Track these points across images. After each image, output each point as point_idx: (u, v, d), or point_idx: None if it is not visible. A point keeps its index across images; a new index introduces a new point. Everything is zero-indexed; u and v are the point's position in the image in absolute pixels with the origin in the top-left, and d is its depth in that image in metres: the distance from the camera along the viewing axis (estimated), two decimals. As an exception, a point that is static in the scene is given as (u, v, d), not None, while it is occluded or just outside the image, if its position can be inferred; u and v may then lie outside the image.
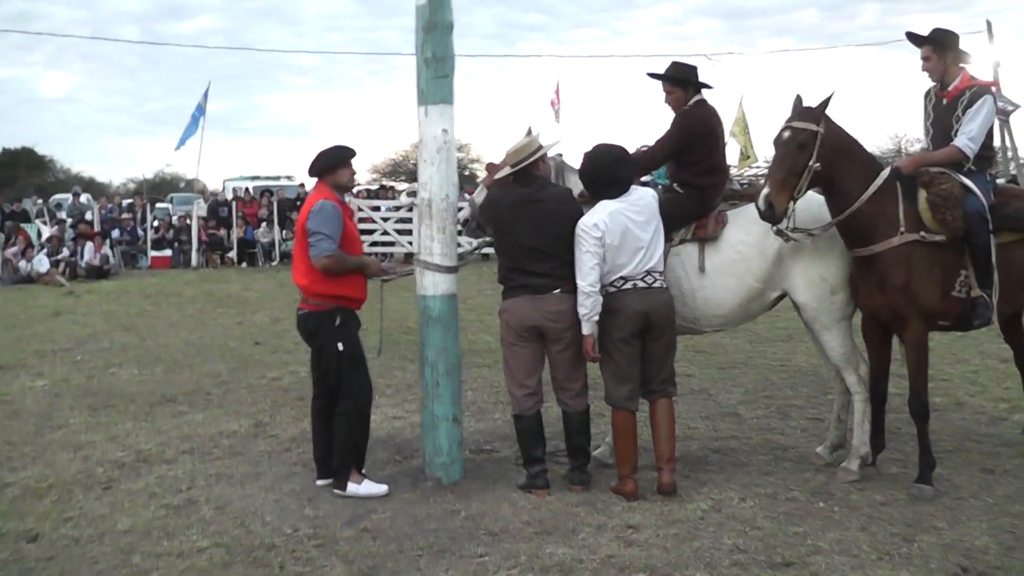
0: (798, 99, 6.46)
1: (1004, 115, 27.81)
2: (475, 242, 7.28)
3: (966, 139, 6.58)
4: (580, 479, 6.58)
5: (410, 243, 22.91)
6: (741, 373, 10.62)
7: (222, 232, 27.04)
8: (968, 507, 6.15)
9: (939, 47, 6.81)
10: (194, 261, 26.06)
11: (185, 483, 6.88)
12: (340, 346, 6.47)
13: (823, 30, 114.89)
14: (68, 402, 9.57)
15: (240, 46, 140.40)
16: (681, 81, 7.00)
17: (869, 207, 6.38)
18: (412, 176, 54.34)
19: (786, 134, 6.31)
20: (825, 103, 6.35)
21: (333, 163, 6.62)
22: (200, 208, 27.84)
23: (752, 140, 27.53)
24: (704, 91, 7.05)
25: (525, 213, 6.38)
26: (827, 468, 6.96)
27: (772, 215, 6.22)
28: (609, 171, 6.40)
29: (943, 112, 6.85)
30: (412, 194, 25.32)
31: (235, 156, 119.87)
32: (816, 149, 6.25)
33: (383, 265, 6.96)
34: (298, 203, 24.61)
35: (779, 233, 6.47)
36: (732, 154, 27.92)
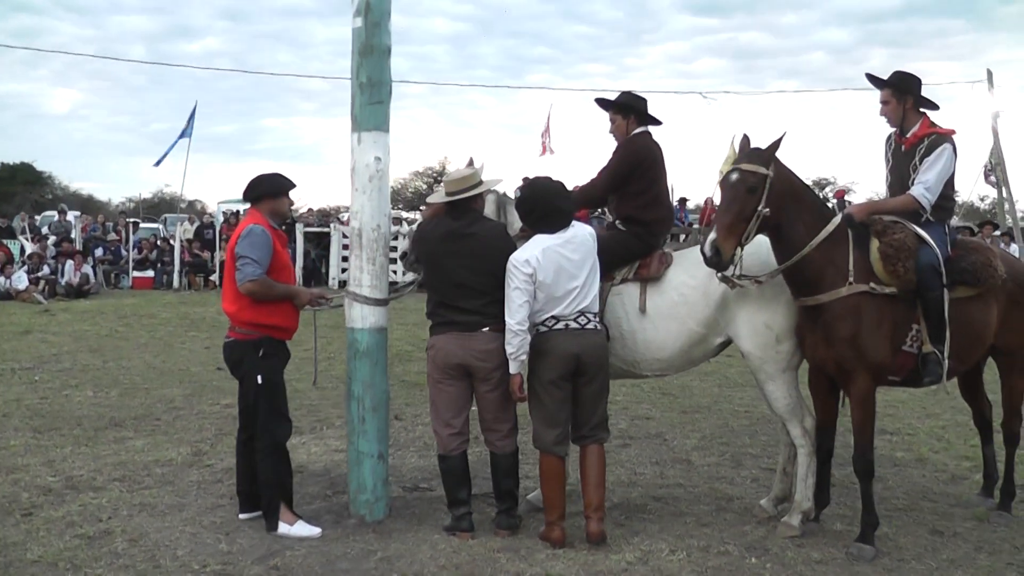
0: (745, 139, 6.27)
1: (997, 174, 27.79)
2: (411, 276, 7.05)
3: (922, 188, 6.40)
4: (507, 523, 6.37)
5: (395, 271, 22.75)
6: (703, 418, 10.40)
7: (206, 254, 26.85)
8: (908, 570, 5.95)
9: (898, 91, 6.64)
10: (176, 283, 25.87)
11: (107, 512, 6.68)
12: (259, 379, 6.28)
13: (831, 73, 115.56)
14: (15, 423, 9.39)
15: (249, 69, 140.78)
16: (625, 108, 6.85)
17: (817, 254, 6.17)
18: (410, 204, 54.38)
19: (734, 176, 6.04)
20: (775, 145, 6.13)
21: (271, 192, 6.48)
22: (185, 230, 27.66)
23: None
24: (653, 129, 6.92)
25: (455, 248, 6.21)
26: (769, 522, 6.74)
27: (719, 261, 5.94)
28: (548, 203, 6.20)
29: (901, 159, 6.68)
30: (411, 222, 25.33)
31: (240, 178, 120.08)
32: (765, 193, 6.02)
33: (315, 293, 6.75)
34: (283, 227, 24.43)
35: (724, 279, 6.25)
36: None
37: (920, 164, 6.49)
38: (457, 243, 6.21)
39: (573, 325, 6.10)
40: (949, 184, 6.56)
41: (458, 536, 6.25)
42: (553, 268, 6.04)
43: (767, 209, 6.01)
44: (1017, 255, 20.48)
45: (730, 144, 24.59)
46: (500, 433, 6.37)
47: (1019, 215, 29.72)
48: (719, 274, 6.16)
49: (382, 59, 6.43)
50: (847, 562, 6.02)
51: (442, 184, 6.48)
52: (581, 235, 6.19)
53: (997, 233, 23.93)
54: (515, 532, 6.35)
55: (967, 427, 9.43)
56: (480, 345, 6.16)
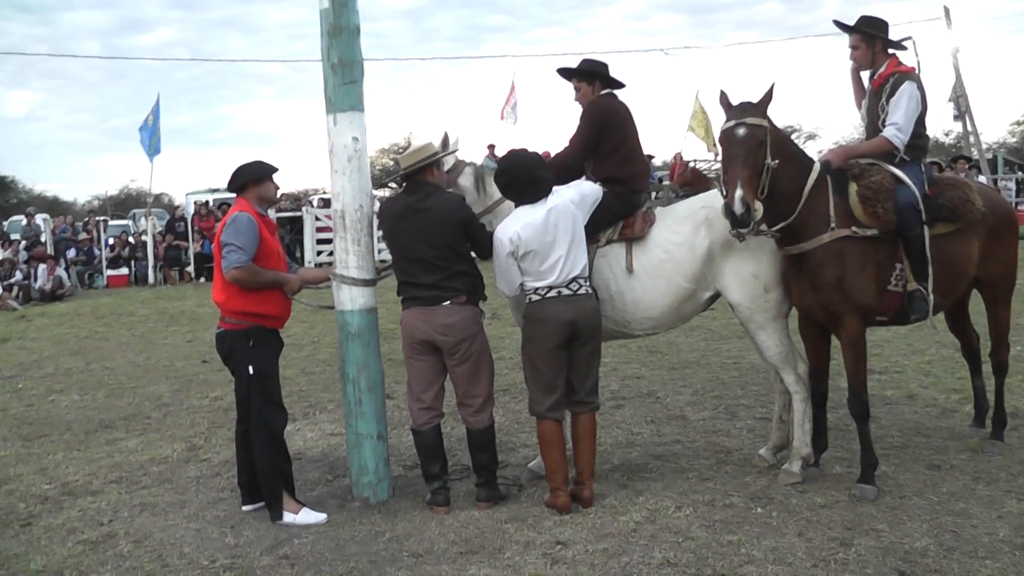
0: (724, 95, 6.18)
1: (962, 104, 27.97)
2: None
3: (894, 129, 6.41)
4: (486, 496, 6.40)
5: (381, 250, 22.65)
6: (692, 373, 10.44)
7: (182, 246, 26.61)
8: (910, 506, 6.01)
9: (866, 36, 6.65)
10: (151, 278, 25.61)
11: (107, 516, 6.63)
12: (251, 369, 6.24)
13: (787, 22, 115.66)
14: (3, 433, 9.28)
15: (205, 57, 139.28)
16: (588, 74, 6.83)
17: (802, 203, 6.17)
18: (377, 182, 54.10)
19: (741, 131, 5.95)
20: (768, 97, 6.09)
21: (254, 178, 6.42)
22: (154, 224, 27.32)
23: (713, 133, 27.31)
24: (618, 91, 6.92)
25: (411, 224, 6.21)
26: (769, 471, 6.80)
27: (749, 217, 5.82)
28: (527, 172, 6.20)
29: (872, 101, 6.71)
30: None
31: (203, 168, 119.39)
32: (769, 146, 5.99)
33: (305, 276, 6.70)
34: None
35: (739, 235, 6.07)
36: (694, 148, 27.84)
37: (887, 104, 6.51)
38: (412, 219, 6.21)
39: (566, 292, 6.11)
40: (919, 122, 6.57)
41: (434, 510, 6.31)
42: (537, 242, 6.06)
43: (776, 161, 6.00)
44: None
45: (695, 98, 24.41)
46: (472, 408, 6.38)
47: (984, 147, 29.93)
48: (734, 231, 6.00)
49: (352, 39, 6.36)
50: (851, 504, 6.08)
51: (400, 160, 6.46)
52: (562, 204, 6.17)
53: (968, 167, 24.08)
54: (495, 504, 6.37)
55: (952, 361, 9.55)
56: (441, 319, 6.17)
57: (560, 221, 6.11)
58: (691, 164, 25.19)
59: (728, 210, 5.81)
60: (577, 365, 6.26)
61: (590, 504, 6.20)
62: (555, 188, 6.28)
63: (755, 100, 6.08)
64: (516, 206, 6.27)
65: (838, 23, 6.77)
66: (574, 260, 6.14)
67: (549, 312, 6.11)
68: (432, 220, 6.16)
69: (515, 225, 6.11)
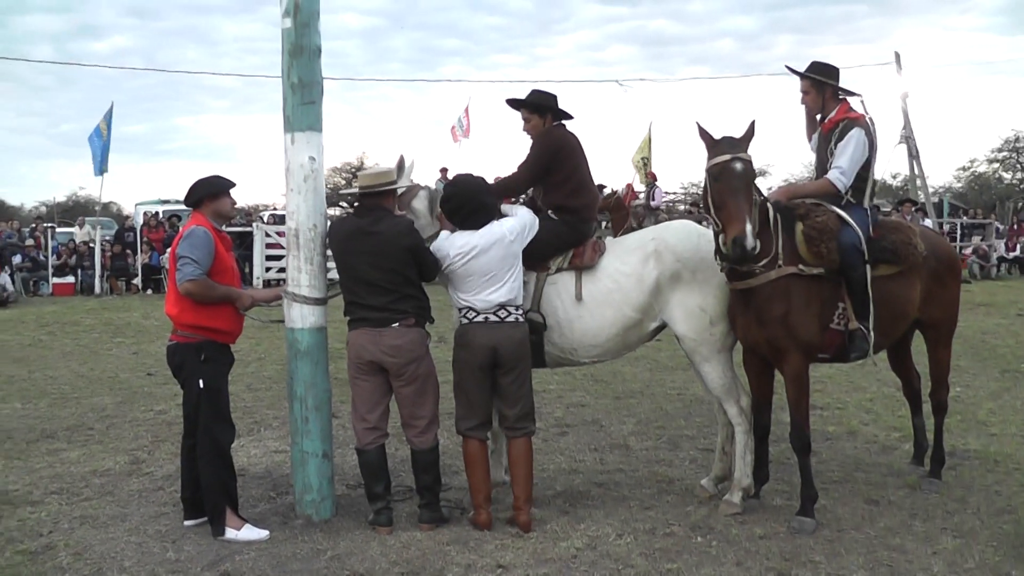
0: (703, 129, 6.21)
1: (911, 146, 28.50)
2: None
3: (837, 172, 6.58)
4: (429, 517, 6.43)
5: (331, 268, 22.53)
6: (637, 403, 10.51)
7: (129, 258, 26.33)
8: (848, 539, 6.12)
9: (816, 82, 6.80)
10: (97, 288, 25.29)
11: (47, 527, 6.56)
12: (201, 383, 6.23)
13: (739, 59, 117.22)
14: (-59, 441, 9.14)
15: (158, 67, 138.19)
16: (539, 107, 6.95)
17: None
18: (328, 201, 53.91)
19: (739, 165, 6.01)
20: (751, 133, 6.17)
21: (210, 192, 6.42)
22: (88, 232, 26.95)
23: (648, 162, 27.48)
24: (566, 122, 7.06)
25: (360, 246, 6.26)
26: (711, 501, 6.88)
27: (752, 252, 5.94)
28: (473, 200, 6.33)
29: (821, 144, 6.86)
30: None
31: (153, 179, 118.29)
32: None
33: (257, 296, 6.71)
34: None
35: (733, 267, 6.19)
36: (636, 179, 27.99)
37: (835, 148, 6.67)
38: (361, 241, 6.26)
39: (492, 318, 6.27)
40: (866, 167, 6.72)
41: (377, 531, 6.32)
42: (462, 264, 6.24)
43: (760, 196, 6.12)
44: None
45: (647, 129, 24.43)
46: (417, 429, 6.42)
47: (930, 191, 30.46)
48: (732, 265, 6.14)
49: (312, 59, 6.40)
50: (790, 535, 6.18)
51: (359, 177, 6.50)
52: (500, 232, 6.30)
53: (915, 210, 24.53)
54: (438, 526, 6.40)
55: (894, 399, 9.70)
56: (389, 340, 6.22)
57: (495, 250, 6.24)
58: (615, 192, 25.17)
59: (738, 244, 5.83)
60: (503, 391, 6.38)
61: (528, 528, 6.25)
62: (504, 221, 6.41)
63: (737, 136, 6.15)
64: (457, 230, 6.38)
65: (790, 68, 6.91)
66: (506, 287, 6.27)
67: (472, 337, 6.29)
68: (382, 244, 6.21)
69: (448, 247, 6.30)
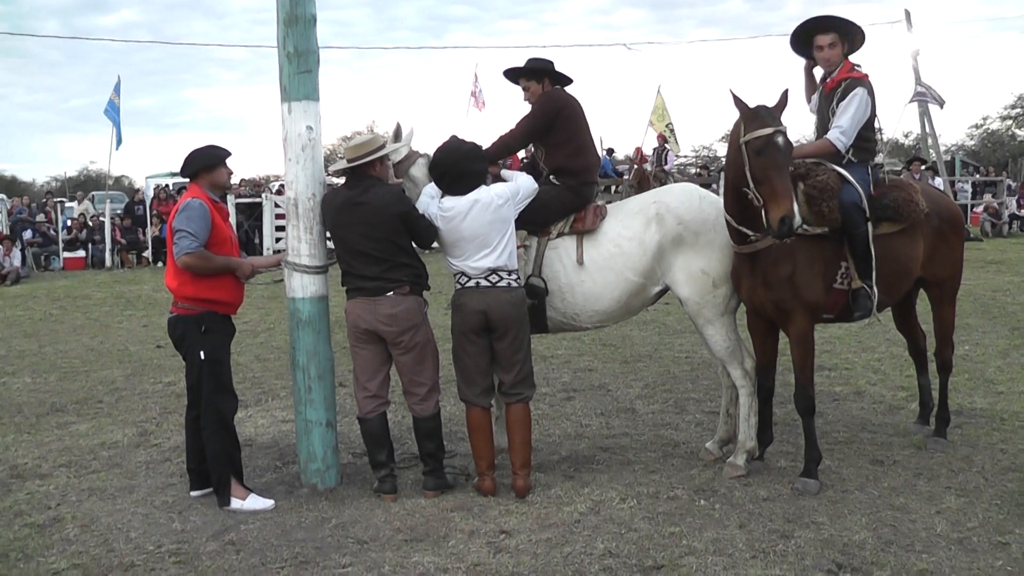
0: (737, 97, 6.11)
1: (924, 105, 28.22)
2: None
3: (837, 132, 6.52)
4: (433, 484, 6.45)
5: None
6: (644, 367, 10.52)
7: (140, 232, 26.41)
8: (851, 500, 6.12)
9: (844, 35, 6.72)
10: (108, 262, 25.39)
11: (55, 499, 6.61)
12: (202, 354, 6.25)
13: (750, 20, 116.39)
14: (-48, 414, 9.20)
15: (166, 40, 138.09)
16: (535, 72, 6.91)
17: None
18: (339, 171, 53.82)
19: (781, 139, 5.89)
20: (784, 102, 6.07)
21: (207, 164, 6.40)
22: (88, 208, 27.01)
23: (674, 129, 27.51)
24: (568, 87, 7.02)
25: (351, 217, 6.26)
26: (715, 464, 6.89)
27: (798, 228, 5.88)
28: (459, 165, 6.30)
29: (823, 103, 6.81)
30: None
31: (164, 152, 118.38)
32: None
33: (257, 264, 6.70)
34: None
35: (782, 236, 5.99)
36: (651, 141, 27.96)
37: (837, 107, 6.61)
38: (352, 212, 6.26)
39: (484, 283, 6.26)
40: (868, 126, 6.67)
41: (382, 498, 6.36)
42: (447, 228, 6.26)
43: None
44: (941, 188, 20.93)
45: (657, 93, 24.53)
46: (417, 396, 6.43)
47: (943, 149, 30.26)
48: (774, 238, 5.99)
49: (308, 28, 6.36)
50: (793, 497, 6.18)
51: (344, 151, 6.48)
52: (488, 198, 6.27)
53: (924, 168, 24.38)
54: (442, 492, 6.43)
55: (902, 359, 9.67)
56: (385, 310, 6.23)
57: (481, 215, 6.21)
58: (644, 167, 25.30)
59: (786, 223, 5.73)
60: (499, 356, 6.39)
61: (524, 493, 6.27)
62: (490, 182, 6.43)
63: (771, 105, 6.05)
64: (444, 195, 6.37)
65: (823, 17, 6.76)
66: (494, 254, 6.25)
67: (464, 302, 6.30)
68: (372, 213, 6.20)
69: (431, 207, 6.34)
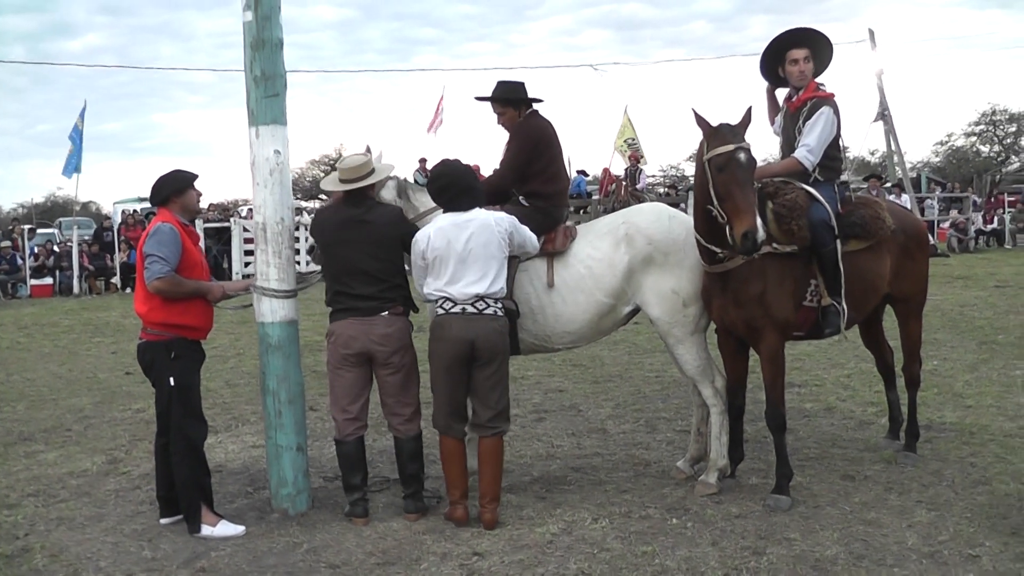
0: (699, 116, 6.14)
1: (889, 123, 28.54)
2: (317, 266, 7.02)
3: (804, 151, 6.59)
4: (414, 507, 6.42)
5: (299, 262, 22.51)
6: (615, 386, 10.54)
7: (108, 258, 26.20)
8: (823, 516, 6.15)
9: (816, 53, 6.80)
10: (75, 288, 25.15)
11: (23, 529, 6.52)
12: (172, 380, 6.20)
13: (714, 41, 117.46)
14: (-81, 444, 9.08)
15: (133, 64, 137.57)
16: (512, 101, 6.94)
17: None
18: (308, 194, 53.77)
19: (743, 156, 5.92)
20: (748, 120, 6.09)
21: (177, 188, 6.37)
22: (78, 232, 26.81)
23: (633, 141, 27.53)
24: (538, 105, 7.05)
25: (352, 235, 6.24)
26: (687, 482, 6.90)
27: (762, 243, 5.89)
28: (464, 179, 6.25)
29: (788, 122, 6.87)
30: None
31: (131, 177, 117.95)
32: None
33: (228, 287, 6.66)
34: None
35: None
36: (619, 162, 28.06)
37: (803, 127, 6.67)
38: (354, 230, 6.25)
39: (470, 310, 6.12)
40: (834, 145, 6.75)
41: (354, 522, 6.31)
42: (443, 246, 6.08)
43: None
44: (907, 206, 21.12)
45: (624, 113, 24.63)
46: (402, 417, 6.42)
47: (908, 167, 30.55)
48: (740, 254, 6.03)
49: (275, 52, 6.36)
50: (765, 514, 6.20)
51: (336, 170, 6.46)
52: (488, 221, 6.17)
53: (888, 185, 24.60)
54: (423, 515, 6.39)
55: (871, 374, 9.70)
56: (379, 329, 6.23)
57: (480, 235, 6.10)
58: (624, 184, 25.47)
59: (749, 238, 5.74)
60: (478, 387, 6.21)
61: (491, 527, 6.13)
62: (495, 212, 6.35)
63: (735, 123, 6.07)
64: (444, 212, 6.30)
65: (802, 30, 6.84)
66: (486, 278, 6.12)
67: (448, 329, 6.11)
68: (376, 233, 6.23)
69: (430, 228, 6.19)
